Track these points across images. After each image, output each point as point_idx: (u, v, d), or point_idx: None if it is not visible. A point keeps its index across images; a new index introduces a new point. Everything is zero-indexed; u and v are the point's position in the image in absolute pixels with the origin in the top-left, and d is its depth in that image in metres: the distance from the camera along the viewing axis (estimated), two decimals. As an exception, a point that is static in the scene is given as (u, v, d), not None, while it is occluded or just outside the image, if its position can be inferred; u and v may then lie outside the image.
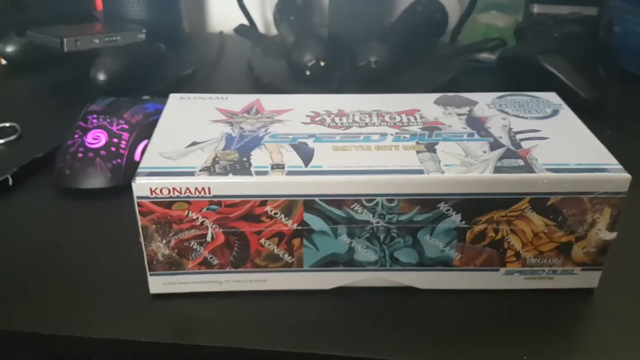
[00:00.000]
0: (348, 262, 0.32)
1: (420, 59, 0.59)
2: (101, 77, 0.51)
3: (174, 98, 0.37)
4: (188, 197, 0.29)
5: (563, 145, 0.32)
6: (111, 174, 0.40)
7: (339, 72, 0.56)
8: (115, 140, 0.41)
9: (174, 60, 0.60)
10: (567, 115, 0.35)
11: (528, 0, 0.64)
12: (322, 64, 0.53)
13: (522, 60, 0.56)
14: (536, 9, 0.63)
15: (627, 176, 0.29)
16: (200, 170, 0.29)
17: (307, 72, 0.53)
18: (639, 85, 0.59)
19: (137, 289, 0.32)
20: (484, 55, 0.62)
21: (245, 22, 0.66)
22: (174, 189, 0.28)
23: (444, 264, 0.32)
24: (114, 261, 0.34)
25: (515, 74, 0.57)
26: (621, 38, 0.64)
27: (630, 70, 0.63)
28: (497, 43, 0.58)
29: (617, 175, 0.29)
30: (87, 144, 0.41)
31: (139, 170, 0.29)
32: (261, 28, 0.74)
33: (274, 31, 0.69)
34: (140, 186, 0.28)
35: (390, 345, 0.29)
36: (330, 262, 0.32)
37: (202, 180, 0.28)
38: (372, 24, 0.59)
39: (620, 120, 0.54)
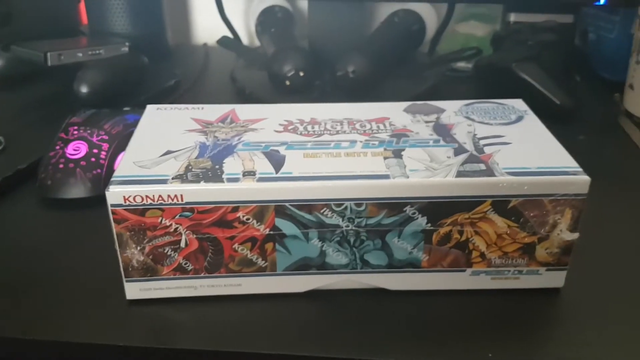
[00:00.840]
0: (320, 265, 0.33)
1: (399, 69, 0.61)
2: (84, 89, 0.52)
3: (150, 109, 0.38)
4: (161, 204, 0.30)
5: (525, 149, 0.33)
6: (91, 184, 0.41)
7: (319, 82, 0.57)
8: (95, 151, 0.42)
9: (158, 72, 0.61)
10: (531, 120, 0.36)
11: (505, 9, 0.66)
12: (301, 74, 0.54)
13: (497, 68, 0.57)
14: (513, 17, 0.64)
15: (586, 178, 0.30)
16: (172, 178, 0.30)
17: (287, 83, 0.55)
18: (613, 91, 0.60)
19: (114, 295, 0.33)
20: (461, 65, 0.64)
21: (229, 34, 0.67)
22: (147, 196, 0.29)
23: (413, 265, 0.33)
24: (93, 268, 0.35)
25: (491, 82, 0.59)
26: (596, 45, 0.66)
27: (605, 77, 0.65)
28: (473, 52, 0.60)
29: (576, 177, 0.30)
30: (68, 155, 0.42)
31: (112, 178, 0.30)
32: (244, 40, 0.75)
33: (257, 42, 0.70)
34: (114, 194, 0.29)
35: (361, 345, 0.30)
36: (302, 266, 0.33)
37: (175, 188, 0.29)
38: (351, 35, 0.61)
39: (594, 125, 0.55)
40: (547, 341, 0.31)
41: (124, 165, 0.31)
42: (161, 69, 0.63)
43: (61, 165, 0.41)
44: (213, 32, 0.74)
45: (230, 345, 0.30)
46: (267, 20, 0.65)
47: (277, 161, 0.32)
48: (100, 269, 0.35)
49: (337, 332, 0.31)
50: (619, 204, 0.42)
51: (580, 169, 0.31)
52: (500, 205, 0.31)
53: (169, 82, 0.60)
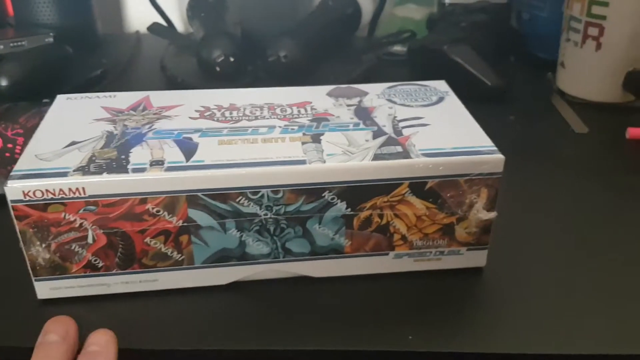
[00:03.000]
0: (240, 256, 0.32)
1: (334, 53, 0.60)
2: (3, 82, 0.50)
3: (60, 99, 0.36)
4: (63, 198, 0.28)
5: (443, 130, 0.33)
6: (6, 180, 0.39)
7: (251, 68, 0.56)
8: (9, 145, 0.40)
9: (84, 63, 0.59)
10: (452, 101, 0.36)
11: (441, -9, 0.66)
12: (231, 59, 0.53)
13: (429, 51, 0.57)
14: (448, -1, 0.64)
15: (500, 157, 0.30)
16: (74, 171, 0.28)
17: (217, 68, 0.53)
18: (548, 70, 0.61)
19: (25, 296, 0.31)
20: (397, 48, 0.63)
21: (162, 20, 0.65)
22: (47, 190, 0.28)
23: (336, 251, 0.32)
24: (3, 268, 0.33)
25: (425, 65, 0.58)
26: (529, 24, 0.66)
27: (540, 56, 0.65)
28: (408, 35, 0.59)
29: (490, 157, 0.30)
30: (-21, 151, 0.39)
31: (12, 173, 0.28)
32: (178, 26, 0.73)
33: (190, 29, 0.68)
34: (13, 189, 0.28)
35: (286, 335, 0.30)
36: (222, 257, 0.32)
37: (76, 181, 0.28)
38: (285, 20, 0.59)
39: (527, 105, 0.55)
40: (469, 320, 0.30)
41: (25, 158, 0.30)
42: (88, 59, 0.61)
43: (-28, 162, 0.39)
44: (146, 19, 0.71)
45: (148, 343, 0.29)
46: (197, 4, 0.63)
47: (188, 149, 0.31)
48: (12, 269, 0.33)
49: (261, 323, 0.30)
50: (547, 182, 0.42)
51: (495, 148, 0.31)
52: (418, 187, 0.30)
53: (95, 72, 0.57)
